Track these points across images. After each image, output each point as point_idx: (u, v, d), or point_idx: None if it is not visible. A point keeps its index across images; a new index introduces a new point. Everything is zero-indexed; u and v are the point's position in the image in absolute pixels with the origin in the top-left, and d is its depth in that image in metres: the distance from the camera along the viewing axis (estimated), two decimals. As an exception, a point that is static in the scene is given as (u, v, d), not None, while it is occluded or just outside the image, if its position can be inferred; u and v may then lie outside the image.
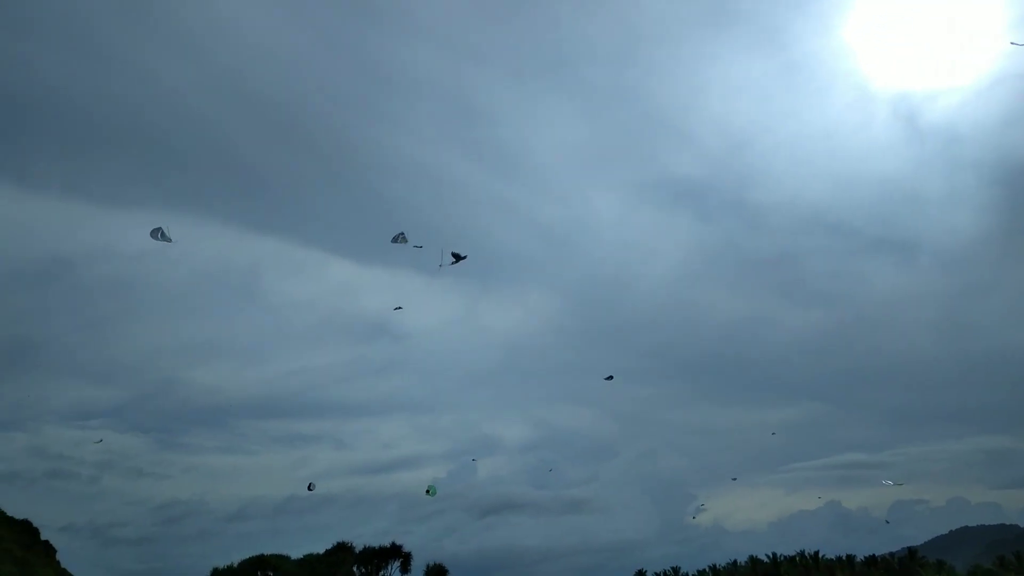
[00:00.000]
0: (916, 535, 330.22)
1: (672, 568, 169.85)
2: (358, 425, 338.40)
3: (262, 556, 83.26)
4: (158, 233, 37.40)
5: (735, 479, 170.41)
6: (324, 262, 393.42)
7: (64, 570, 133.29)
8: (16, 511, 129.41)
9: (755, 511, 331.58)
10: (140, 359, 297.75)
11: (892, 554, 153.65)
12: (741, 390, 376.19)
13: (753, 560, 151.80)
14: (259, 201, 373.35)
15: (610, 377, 78.89)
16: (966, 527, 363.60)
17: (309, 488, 70.65)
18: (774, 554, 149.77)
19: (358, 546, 79.08)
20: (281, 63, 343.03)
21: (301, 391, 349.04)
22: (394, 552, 77.78)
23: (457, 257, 44.30)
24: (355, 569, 77.13)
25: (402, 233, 46.29)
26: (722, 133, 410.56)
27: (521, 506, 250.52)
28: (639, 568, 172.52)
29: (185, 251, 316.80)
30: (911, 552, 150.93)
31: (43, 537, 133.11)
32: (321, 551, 79.73)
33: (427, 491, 72.07)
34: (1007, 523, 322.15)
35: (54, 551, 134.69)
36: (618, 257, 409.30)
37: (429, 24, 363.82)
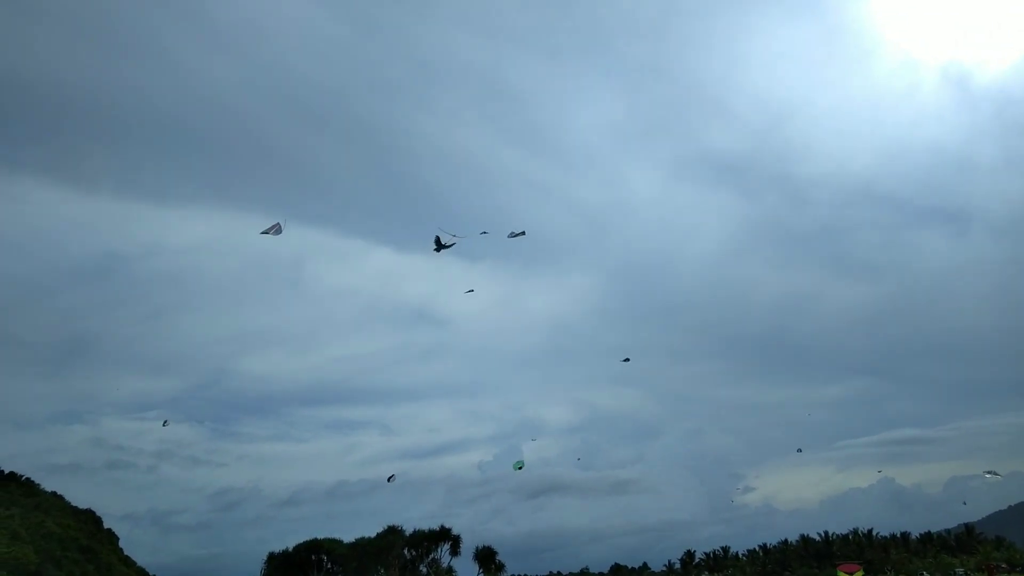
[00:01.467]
0: (974, 511, 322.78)
1: (721, 548, 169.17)
2: (404, 410, 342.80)
3: (316, 540, 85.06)
4: (273, 229, 38.29)
5: (800, 451, 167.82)
6: (366, 250, 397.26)
7: (127, 557, 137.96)
8: (79, 501, 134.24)
9: (805, 489, 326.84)
10: (193, 350, 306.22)
11: (948, 531, 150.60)
12: (789, 367, 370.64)
13: (804, 539, 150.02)
14: (300, 192, 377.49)
15: (627, 359, 78.34)
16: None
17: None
18: (826, 532, 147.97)
19: (408, 529, 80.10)
20: (319, 52, 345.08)
21: (348, 378, 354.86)
22: (443, 535, 78.67)
23: (440, 244, 43.74)
24: (405, 552, 78.23)
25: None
26: (763, 106, 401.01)
27: (567, 488, 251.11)
28: (688, 549, 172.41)
29: (232, 244, 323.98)
30: (968, 528, 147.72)
31: (106, 526, 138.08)
32: (372, 535, 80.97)
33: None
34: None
35: (117, 539, 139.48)
36: (660, 236, 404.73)
37: (465, 7, 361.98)
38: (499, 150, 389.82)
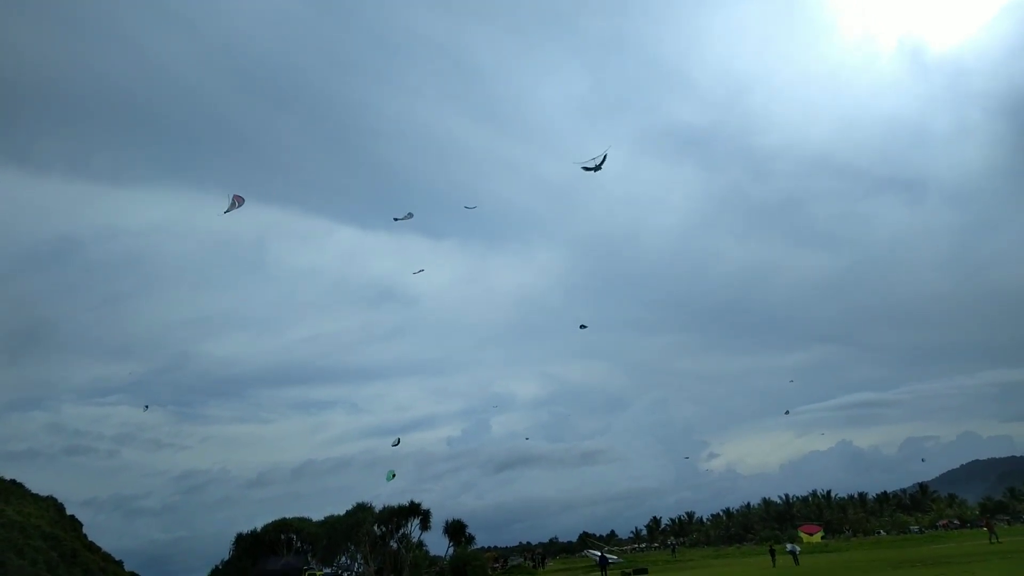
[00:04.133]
0: (928, 470, 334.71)
1: (687, 514, 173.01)
2: (372, 389, 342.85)
3: (284, 519, 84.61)
4: (233, 205, 36.98)
5: (788, 412, 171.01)
6: (329, 230, 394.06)
7: (92, 543, 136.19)
8: (40, 488, 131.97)
9: (768, 454, 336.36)
10: (154, 334, 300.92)
11: (904, 490, 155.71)
12: (751, 336, 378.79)
13: (766, 502, 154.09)
14: (260, 171, 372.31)
15: (583, 326, 78.88)
16: (977, 460, 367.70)
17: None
18: (787, 495, 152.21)
19: (377, 506, 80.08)
20: (277, 29, 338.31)
21: (314, 358, 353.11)
22: (413, 510, 78.68)
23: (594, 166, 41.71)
24: (375, 528, 78.25)
25: (409, 214, 45.86)
26: (724, 79, 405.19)
27: (536, 460, 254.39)
28: (654, 515, 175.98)
29: (191, 225, 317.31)
30: (922, 488, 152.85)
31: (68, 512, 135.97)
32: (341, 512, 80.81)
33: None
34: (1018, 455, 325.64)
35: (80, 525, 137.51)
36: (625, 210, 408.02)
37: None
38: (463, 127, 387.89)
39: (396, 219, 44.44)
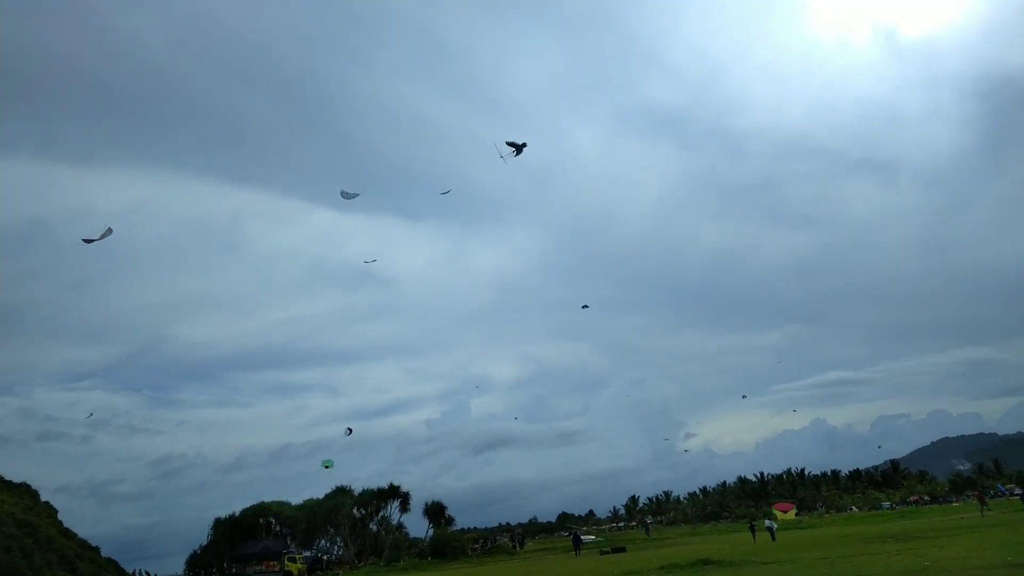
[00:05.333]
0: (899, 447, 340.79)
1: (664, 492, 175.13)
2: (350, 371, 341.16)
3: (263, 503, 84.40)
4: (102, 236, 35.69)
5: (745, 397, 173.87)
6: (305, 211, 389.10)
7: (67, 529, 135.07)
8: (13, 475, 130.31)
9: (743, 433, 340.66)
10: (127, 318, 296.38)
11: (876, 468, 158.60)
12: (727, 316, 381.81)
13: (742, 480, 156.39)
14: (233, 151, 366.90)
15: (585, 306, 78.96)
16: (947, 438, 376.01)
17: (348, 433, 72.56)
18: (762, 473, 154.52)
19: (356, 489, 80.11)
20: (249, 5, 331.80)
21: (291, 341, 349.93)
22: (392, 492, 78.89)
23: (516, 147, 39.77)
24: (355, 511, 78.32)
25: (354, 194, 43.49)
26: (700, 59, 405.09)
27: (515, 441, 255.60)
28: (632, 494, 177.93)
29: (164, 207, 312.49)
30: (894, 465, 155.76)
31: (42, 499, 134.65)
32: (320, 496, 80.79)
33: (325, 465, 73.56)
34: (986, 432, 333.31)
35: (55, 511, 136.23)
36: (601, 190, 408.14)
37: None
38: (439, 105, 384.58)
39: (344, 195, 41.83)
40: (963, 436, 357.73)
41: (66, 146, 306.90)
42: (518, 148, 37.81)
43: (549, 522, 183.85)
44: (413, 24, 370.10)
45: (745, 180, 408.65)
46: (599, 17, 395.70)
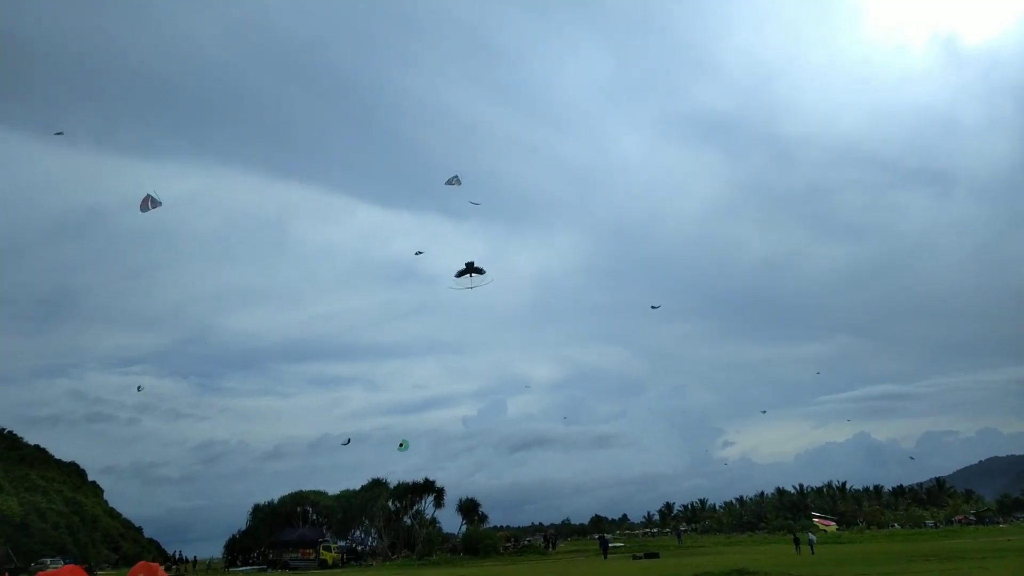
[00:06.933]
0: (945, 465, 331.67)
1: (699, 500, 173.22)
2: (390, 367, 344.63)
3: (301, 492, 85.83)
4: (147, 203, 36.47)
5: (764, 412, 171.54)
6: (351, 207, 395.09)
7: (112, 509, 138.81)
8: (62, 454, 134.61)
9: (783, 444, 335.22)
10: (177, 306, 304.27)
11: (920, 485, 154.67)
12: (772, 326, 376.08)
13: (780, 491, 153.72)
14: (284, 147, 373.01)
15: (656, 306, 78.20)
16: (996, 457, 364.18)
17: (346, 443, 73.39)
18: (801, 486, 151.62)
19: (392, 482, 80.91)
20: (302, 6, 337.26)
21: (334, 334, 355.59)
22: (427, 487, 79.44)
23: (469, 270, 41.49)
24: (390, 504, 79.13)
25: (456, 176, 45.31)
26: (751, 64, 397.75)
27: (551, 442, 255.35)
28: (667, 501, 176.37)
29: (215, 199, 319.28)
30: (939, 482, 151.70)
31: (89, 478, 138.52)
32: (357, 487, 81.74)
33: (400, 445, 73.56)
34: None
35: (101, 491, 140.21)
36: (646, 195, 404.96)
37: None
38: (484, 108, 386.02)
39: (450, 182, 43.72)
40: (1013, 456, 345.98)
41: (125, 138, 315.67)
42: (470, 270, 39.08)
43: (582, 524, 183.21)
44: (461, 26, 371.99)
45: (793, 188, 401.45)
46: (648, 20, 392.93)
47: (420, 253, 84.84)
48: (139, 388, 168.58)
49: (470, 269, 40.06)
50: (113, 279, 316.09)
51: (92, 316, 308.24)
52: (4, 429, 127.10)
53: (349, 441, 76.25)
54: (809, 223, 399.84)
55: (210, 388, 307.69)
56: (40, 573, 38.58)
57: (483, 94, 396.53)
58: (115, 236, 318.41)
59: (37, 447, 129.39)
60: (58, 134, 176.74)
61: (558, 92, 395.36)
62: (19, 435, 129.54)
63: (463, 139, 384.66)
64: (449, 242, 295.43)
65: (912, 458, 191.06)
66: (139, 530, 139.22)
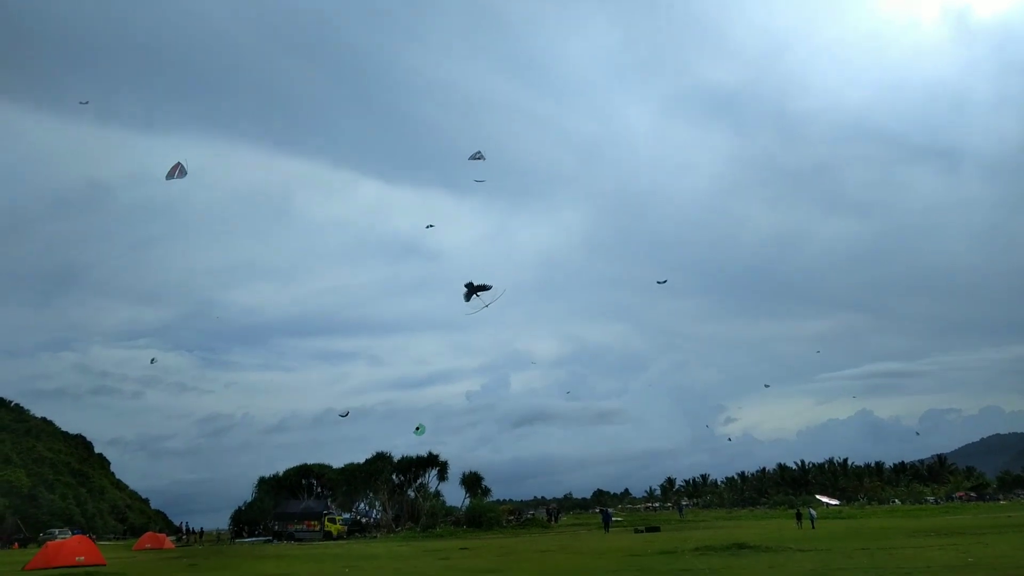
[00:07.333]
0: (947, 443, 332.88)
1: (701, 476, 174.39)
2: (393, 342, 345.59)
3: (306, 465, 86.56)
4: (176, 172, 36.42)
5: (768, 386, 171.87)
6: (354, 182, 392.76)
7: (119, 481, 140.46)
8: (68, 426, 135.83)
9: (786, 420, 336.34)
10: (181, 280, 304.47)
11: (922, 461, 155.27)
12: (776, 303, 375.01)
13: (781, 467, 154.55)
14: (288, 122, 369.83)
15: (663, 281, 77.45)
16: (998, 435, 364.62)
17: (342, 415, 73.73)
18: (802, 462, 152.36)
19: (396, 456, 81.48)
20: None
21: (337, 310, 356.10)
22: (431, 461, 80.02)
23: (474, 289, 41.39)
24: (394, 477, 79.76)
25: (479, 152, 45.36)
26: (760, 38, 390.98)
27: (553, 417, 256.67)
28: (668, 476, 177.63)
29: (220, 174, 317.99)
30: (940, 459, 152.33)
31: (96, 451, 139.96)
32: (361, 461, 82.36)
33: (416, 429, 73.99)
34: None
35: (108, 463, 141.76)
36: (652, 171, 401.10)
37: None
38: (490, 81, 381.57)
39: (474, 157, 43.82)
40: (1016, 434, 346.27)
41: (128, 112, 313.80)
42: (473, 291, 38.78)
43: (584, 498, 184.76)
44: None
45: (801, 164, 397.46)
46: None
47: (431, 226, 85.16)
48: (152, 360, 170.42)
49: (473, 290, 39.68)
50: (116, 253, 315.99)
51: (96, 290, 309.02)
52: (11, 401, 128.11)
53: (348, 413, 76.56)
54: (815, 200, 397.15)
55: (214, 362, 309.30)
56: (48, 543, 38.96)
57: (488, 67, 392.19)
58: (119, 210, 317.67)
59: (44, 419, 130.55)
60: (83, 103, 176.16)
61: (564, 65, 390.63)
62: (26, 407, 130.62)
63: (468, 113, 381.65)
64: (452, 218, 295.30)
65: (918, 434, 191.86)
66: (146, 501, 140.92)
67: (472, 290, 39.32)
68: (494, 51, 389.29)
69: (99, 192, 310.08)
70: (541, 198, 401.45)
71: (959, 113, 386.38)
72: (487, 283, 39.62)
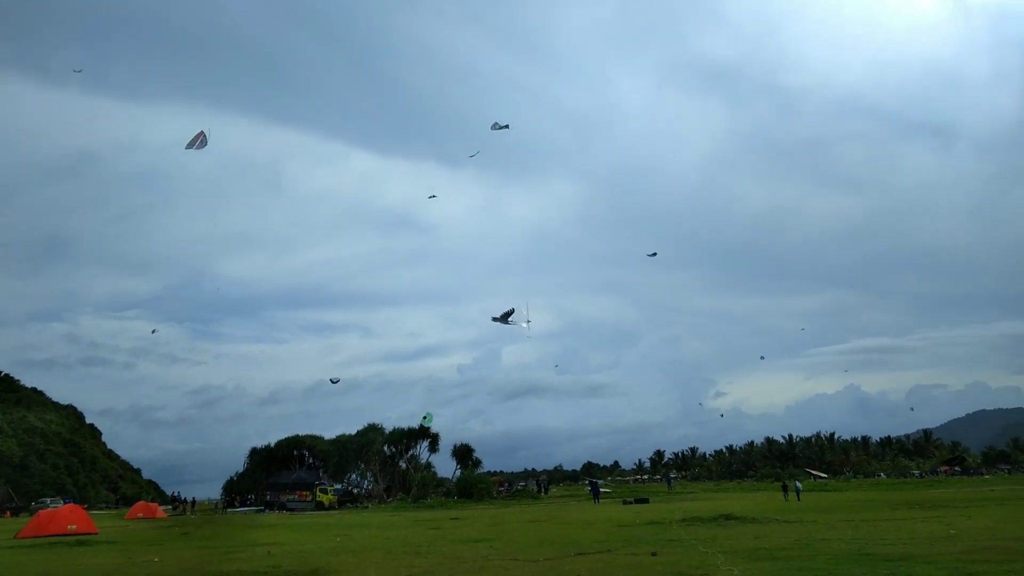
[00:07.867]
0: (933, 418, 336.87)
1: (690, 449, 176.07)
2: (384, 314, 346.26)
3: (297, 436, 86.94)
4: (197, 142, 36.30)
5: (763, 358, 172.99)
6: (346, 153, 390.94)
7: (111, 451, 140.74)
8: (59, 396, 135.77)
9: (774, 395, 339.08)
10: (172, 251, 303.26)
11: (908, 436, 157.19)
12: (767, 277, 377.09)
13: (769, 441, 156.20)
14: (279, 91, 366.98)
15: (654, 254, 77.44)
16: (984, 410, 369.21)
17: (333, 381, 73.72)
18: (790, 436, 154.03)
19: (387, 427, 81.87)
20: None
21: (329, 281, 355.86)
22: (422, 433, 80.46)
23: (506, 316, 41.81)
24: (385, 448, 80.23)
25: (497, 123, 45.59)
26: (756, 11, 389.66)
27: (544, 390, 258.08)
28: (658, 449, 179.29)
29: (210, 143, 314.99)
30: (926, 434, 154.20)
31: (87, 421, 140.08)
32: (353, 432, 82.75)
33: (424, 418, 74.65)
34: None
35: (99, 433, 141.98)
36: (645, 143, 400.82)
37: None
38: (484, 50, 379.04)
39: (495, 127, 44.32)
40: (1001, 409, 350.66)
41: (115, 79, 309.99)
42: (504, 318, 39.05)
43: (574, 471, 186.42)
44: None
45: (795, 139, 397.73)
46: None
47: (433, 196, 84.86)
48: (153, 331, 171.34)
49: (504, 318, 40.52)
50: (106, 223, 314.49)
51: (86, 260, 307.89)
52: (1, 372, 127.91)
53: (339, 380, 76.61)
54: (808, 175, 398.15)
55: (205, 334, 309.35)
56: (40, 512, 39.16)
57: (481, 36, 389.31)
58: (108, 179, 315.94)
59: (34, 390, 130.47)
60: (77, 71, 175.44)
61: (557, 35, 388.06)
62: (16, 377, 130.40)
63: (461, 83, 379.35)
64: (445, 190, 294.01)
65: (912, 409, 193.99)
66: (137, 471, 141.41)
67: (503, 319, 40.26)
68: (488, 20, 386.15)
69: (87, 161, 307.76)
70: (534, 170, 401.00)
71: (954, 90, 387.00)
72: (510, 307, 40.84)
